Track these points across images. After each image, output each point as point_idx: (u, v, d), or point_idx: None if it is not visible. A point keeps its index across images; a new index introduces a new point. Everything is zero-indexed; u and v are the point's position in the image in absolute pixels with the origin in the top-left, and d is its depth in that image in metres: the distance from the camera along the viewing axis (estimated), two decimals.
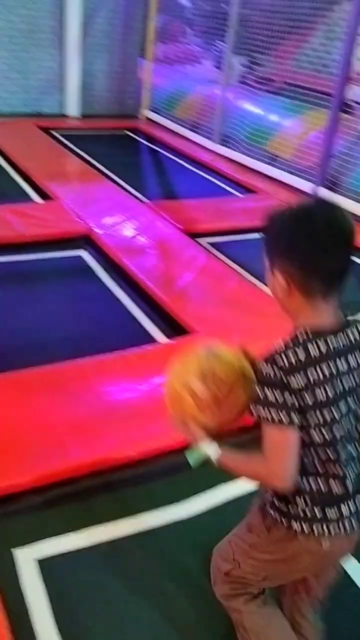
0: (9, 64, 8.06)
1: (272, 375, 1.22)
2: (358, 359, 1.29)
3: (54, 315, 3.65)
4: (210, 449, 1.37)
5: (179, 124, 8.19)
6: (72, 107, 8.65)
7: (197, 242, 4.68)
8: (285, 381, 1.21)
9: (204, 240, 4.80)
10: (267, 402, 1.22)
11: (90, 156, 6.84)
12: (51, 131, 7.63)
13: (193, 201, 5.59)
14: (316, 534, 1.33)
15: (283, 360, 1.22)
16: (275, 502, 1.37)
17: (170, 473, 2.43)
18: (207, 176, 6.78)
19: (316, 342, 1.23)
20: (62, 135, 7.59)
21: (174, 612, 1.91)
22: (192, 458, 1.41)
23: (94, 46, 8.55)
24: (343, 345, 1.26)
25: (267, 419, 1.22)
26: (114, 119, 8.78)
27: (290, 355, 1.22)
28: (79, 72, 8.47)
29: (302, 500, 1.32)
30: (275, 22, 6.53)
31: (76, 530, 2.18)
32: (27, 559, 2.05)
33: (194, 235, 4.79)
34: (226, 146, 7.29)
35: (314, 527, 1.33)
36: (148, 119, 8.85)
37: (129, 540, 2.18)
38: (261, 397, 1.23)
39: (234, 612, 1.60)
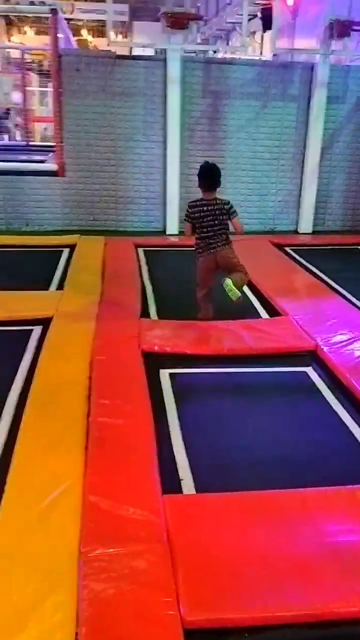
0: (251, 189, 8.81)
1: (188, 207, 4.83)
2: (212, 208, 4.74)
3: (274, 432, 3.58)
4: None
5: None
6: (306, 224, 8.99)
7: None
8: (189, 210, 4.80)
9: None
10: (185, 215, 4.87)
11: (321, 272, 6.91)
12: (284, 247, 7.96)
13: None
14: (202, 253, 4.88)
15: (190, 205, 4.82)
16: (196, 247, 4.92)
17: None
18: None
19: (200, 201, 4.79)
20: (294, 251, 7.85)
21: None
22: None
23: (331, 168, 8.92)
24: (209, 204, 4.74)
25: (185, 218, 4.89)
26: (346, 234, 8.86)
27: (193, 204, 4.81)
28: (315, 193, 8.85)
29: (198, 244, 4.90)
30: None
31: None
32: None
33: None
34: None
35: (202, 252, 4.88)
36: None
37: None
38: (186, 213, 4.86)
39: (200, 305, 5.10)
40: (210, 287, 5.03)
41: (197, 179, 4.78)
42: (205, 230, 4.79)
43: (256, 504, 2.74)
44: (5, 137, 15.92)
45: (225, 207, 4.75)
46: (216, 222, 4.76)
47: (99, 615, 2.11)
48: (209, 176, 4.72)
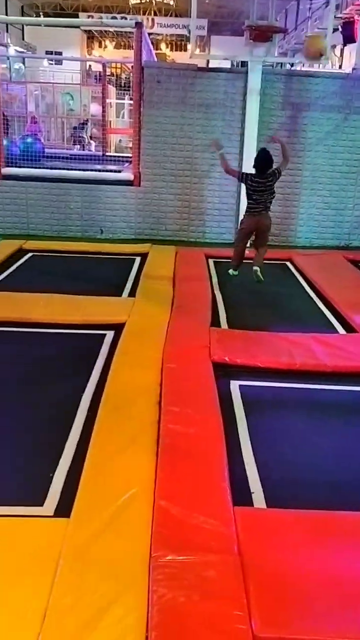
0: (328, 202, 8.67)
1: (244, 173, 6.31)
2: (262, 180, 5.95)
3: (348, 453, 3.47)
4: None
5: None
6: None
7: None
8: (244, 174, 6.17)
9: None
10: (240, 174, 6.33)
11: None
12: (359, 264, 7.76)
13: None
14: (247, 213, 6.19)
15: (246, 173, 6.20)
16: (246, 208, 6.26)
17: None
18: None
19: (252, 174, 6.04)
20: None
21: None
22: None
23: None
24: (260, 177, 5.96)
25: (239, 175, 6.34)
26: None
27: (247, 175, 6.13)
28: None
29: (247, 206, 6.17)
30: None
31: None
32: None
33: None
34: None
35: (247, 211, 6.19)
36: None
37: None
38: (241, 174, 6.35)
39: (235, 246, 6.52)
40: (246, 242, 6.43)
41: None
42: (253, 198, 6.06)
43: (331, 524, 2.67)
44: (76, 147, 16.35)
45: (271, 178, 5.99)
46: (265, 193, 6.03)
47: (169, 621, 2.10)
48: (260, 162, 5.95)
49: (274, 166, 5.97)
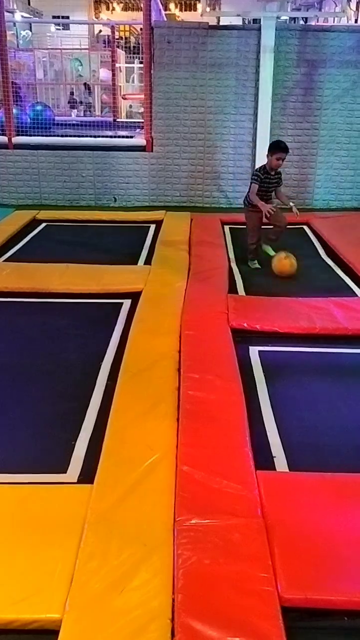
0: (345, 162, 8.46)
1: (256, 171, 5.88)
2: (272, 178, 5.82)
3: None
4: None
5: None
6: None
7: None
8: (258, 173, 5.79)
9: None
10: (254, 176, 5.86)
11: None
12: None
13: None
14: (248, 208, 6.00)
15: (258, 170, 5.83)
16: (247, 203, 6.00)
17: None
18: None
19: (265, 169, 5.78)
20: None
21: None
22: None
23: None
24: (272, 173, 5.81)
25: (253, 179, 5.82)
26: None
27: (261, 169, 5.82)
28: None
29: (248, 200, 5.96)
30: None
31: None
32: None
33: None
34: None
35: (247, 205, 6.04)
36: None
37: None
38: (254, 176, 5.87)
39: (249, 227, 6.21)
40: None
41: (287, 153, 5.88)
42: (264, 192, 5.91)
43: (354, 487, 2.65)
44: (74, 112, 16.02)
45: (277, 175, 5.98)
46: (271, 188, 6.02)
47: (195, 584, 2.12)
48: (277, 148, 5.84)
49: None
